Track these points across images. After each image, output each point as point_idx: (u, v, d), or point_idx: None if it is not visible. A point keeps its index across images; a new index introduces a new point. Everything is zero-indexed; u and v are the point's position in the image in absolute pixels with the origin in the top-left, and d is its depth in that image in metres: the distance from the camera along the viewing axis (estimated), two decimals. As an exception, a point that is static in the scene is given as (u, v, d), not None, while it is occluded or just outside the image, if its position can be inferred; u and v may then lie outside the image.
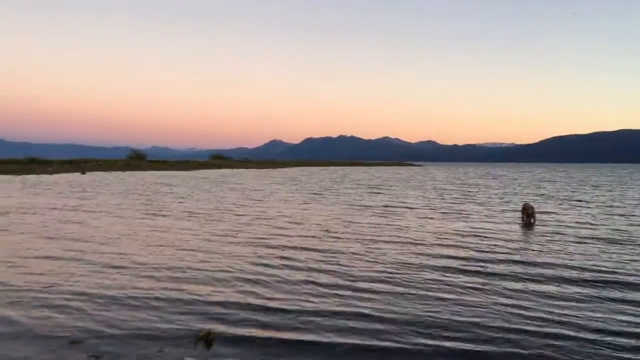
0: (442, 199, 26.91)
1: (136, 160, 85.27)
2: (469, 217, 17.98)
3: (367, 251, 11.29)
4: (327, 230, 14.22)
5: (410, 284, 8.53)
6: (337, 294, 7.80)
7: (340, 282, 8.58)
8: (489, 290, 8.26)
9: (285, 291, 7.98)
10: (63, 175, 50.69)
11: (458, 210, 20.64)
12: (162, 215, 17.73)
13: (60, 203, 21.82)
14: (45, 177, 45.14)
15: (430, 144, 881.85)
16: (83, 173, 54.52)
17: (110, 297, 7.59)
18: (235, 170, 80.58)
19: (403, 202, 24.08)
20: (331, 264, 9.88)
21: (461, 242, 12.66)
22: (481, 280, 8.82)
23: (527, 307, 7.35)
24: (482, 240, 12.98)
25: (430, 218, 17.77)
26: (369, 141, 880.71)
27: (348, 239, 12.97)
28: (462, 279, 8.94)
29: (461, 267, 9.84)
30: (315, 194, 29.88)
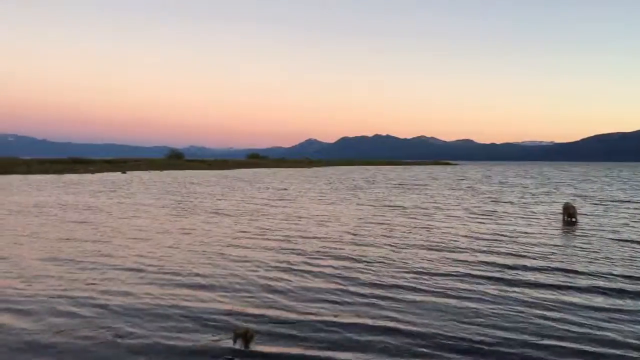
0: (476, 198, 26.52)
1: (174, 159, 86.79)
2: (503, 218, 17.62)
3: (396, 255, 10.97)
4: (355, 234, 13.87)
5: (442, 292, 8.03)
6: (366, 303, 7.47)
7: (367, 290, 8.15)
8: (526, 301, 7.60)
9: (310, 299, 7.70)
10: (104, 174, 52.05)
11: (492, 210, 20.23)
12: (194, 214, 18.21)
13: (100, 202, 22.52)
14: (87, 177, 46.47)
15: (467, 143, 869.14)
16: (123, 172, 55.86)
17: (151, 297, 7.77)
18: (270, 169, 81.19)
19: (435, 202, 23.86)
20: (360, 271, 9.43)
21: (495, 245, 12.16)
22: (517, 290, 8.20)
23: (571, 321, 6.74)
24: (517, 243, 12.45)
25: (462, 219, 17.48)
26: (404, 140, 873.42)
27: (377, 241, 12.72)
28: (496, 287, 8.36)
29: (495, 274, 9.22)
30: (347, 193, 30.01)
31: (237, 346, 5.86)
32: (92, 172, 55.36)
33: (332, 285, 8.49)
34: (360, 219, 17.36)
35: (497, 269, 9.75)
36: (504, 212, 19.79)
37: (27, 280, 8.62)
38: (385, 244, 12.37)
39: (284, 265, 9.99)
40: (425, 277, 9.06)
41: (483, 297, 7.80)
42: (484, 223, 16.42)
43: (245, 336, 5.90)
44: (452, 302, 7.60)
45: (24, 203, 21.70)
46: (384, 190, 32.45)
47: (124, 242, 12.37)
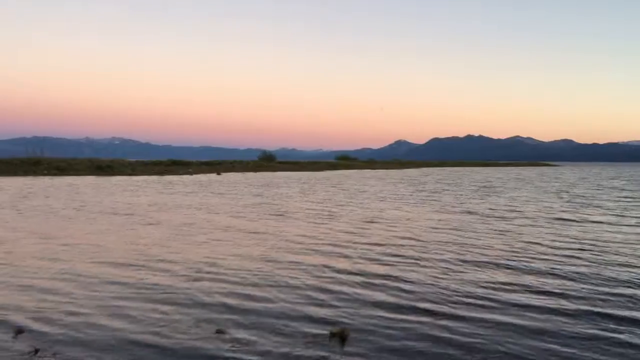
0: (566, 202, 25.20)
1: (266, 161, 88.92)
2: (590, 226, 16.05)
3: (462, 265, 10.23)
4: (424, 241, 13.10)
5: (512, 316, 7.07)
6: (429, 323, 6.81)
7: (427, 306, 7.47)
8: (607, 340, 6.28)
9: (401, 302, 7.91)
10: (201, 175, 54.33)
11: (581, 217, 18.62)
12: (281, 215, 18.77)
13: (197, 202, 23.53)
14: (185, 178, 48.73)
15: (567, 143, 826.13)
16: (218, 174, 58.04)
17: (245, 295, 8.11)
18: (360, 170, 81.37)
19: (514, 207, 22.69)
20: (424, 284, 8.69)
21: (575, 262, 10.63)
22: (603, 326, 6.70)
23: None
24: (603, 259, 10.87)
25: (541, 226, 16.10)
26: (498, 141, 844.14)
27: (442, 249, 11.91)
28: (568, 321, 7.02)
29: (565, 304, 7.59)
30: (429, 194, 29.91)
31: (333, 345, 5.96)
32: (190, 173, 57.95)
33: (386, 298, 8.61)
34: (433, 223, 17.07)
35: (570, 293, 8.19)
36: (593, 219, 18.20)
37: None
38: (453, 251, 11.90)
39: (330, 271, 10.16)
40: (494, 292, 8.24)
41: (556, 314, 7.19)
42: (566, 231, 15.15)
43: (341, 335, 5.95)
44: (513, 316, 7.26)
45: (143, 202, 23.02)
46: (466, 193, 31.78)
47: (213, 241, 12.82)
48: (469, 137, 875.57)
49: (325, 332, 6.31)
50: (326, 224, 16.42)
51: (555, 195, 30.75)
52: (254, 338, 6.19)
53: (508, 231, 14.99)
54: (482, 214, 19.58)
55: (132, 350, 5.83)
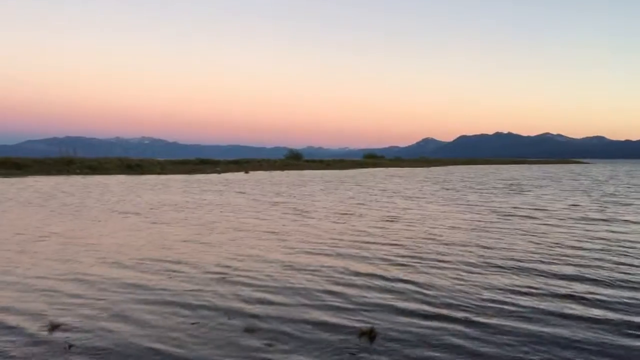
0: (594, 201, 24.79)
1: (293, 159, 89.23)
2: (620, 226, 15.72)
3: (485, 268, 10.01)
4: (446, 242, 12.85)
5: (538, 323, 6.83)
6: (451, 329, 6.64)
7: (446, 311, 7.35)
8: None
9: (435, 302, 8.17)
10: (229, 174, 54.89)
11: (610, 216, 18.27)
12: (303, 214, 19.04)
13: (223, 200, 23.86)
14: (214, 176, 49.30)
15: (598, 140, 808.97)
16: (246, 172, 58.55)
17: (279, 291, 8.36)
18: (387, 169, 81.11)
19: (541, 205, 22.37)
20: (445, 288, 8.53)
21: (605, 264, 10.29)
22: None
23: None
24: (633, 262, 10.53)
25: (568, 226, 15.81)
26: (527, 138, 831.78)
27: (465, 250, 11.70)
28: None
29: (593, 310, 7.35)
30: (453, 193, 29.78)
31: (361, 343, 6.04)
32: (218, 172, 58.59)
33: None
34: (455, 223, 17.07)
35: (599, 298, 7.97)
36: (623, 219, 17.76)
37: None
38: (476, 253, 11.96)
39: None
40: (519, 298, 8.13)
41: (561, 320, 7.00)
42: (595, 231, 14.81)
43: (370, 334, 6.09)
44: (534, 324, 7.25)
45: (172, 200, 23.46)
46: (492, 191, 31.57)
47: (240, 240, 13.05)
48: (498, 135, 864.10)
49: (352, 331, 6.43)
50: (347, 222, 16.52)
51: (584, 193, 30.23)
52: (281, 338, 6.30)
53: (533, 231, 14.75)
54: (507, 213, 19.34)
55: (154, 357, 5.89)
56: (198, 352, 5.87)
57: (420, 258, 10.90)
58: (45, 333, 6.38)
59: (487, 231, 14.83)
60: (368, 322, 6.75)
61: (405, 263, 10.40)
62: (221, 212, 19.21)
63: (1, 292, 8.16)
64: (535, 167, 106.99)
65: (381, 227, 15.45)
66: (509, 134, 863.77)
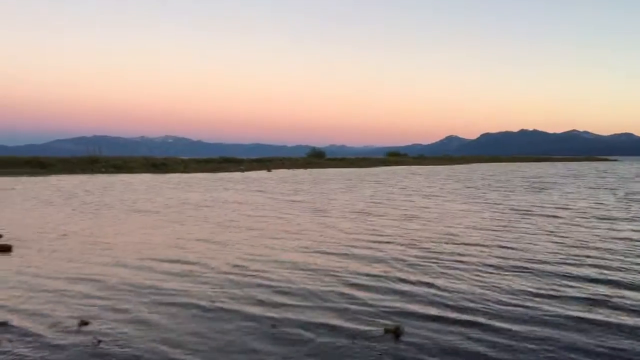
0: (619, 200, 24.25)
1: (316, 158, 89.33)
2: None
3: (503, 269, 9.81)
4: (465, 243, 12.67)
5: (559, 329, 6.62)
6: (469, 334, 6.53)
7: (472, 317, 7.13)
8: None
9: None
10: (252, 172, 55.28)
11: (635, 216, 17.87)
12: (321, 213, 19.17)
13: (245, 199, 24.09)
14: (237, 175, 49.71)
15: (627, 137, 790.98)
16: (269, 171, 58.90)
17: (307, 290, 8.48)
18: (410, 167, 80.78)
19: (563, 204, 21.99)
20: (461, 291, 8.32)
21: (630, 266, 10.04)
22: None
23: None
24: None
25: (590, 226, 15.41)
26: (554, 135, 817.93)
27: (483, 251, 11.57)
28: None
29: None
30: (474, 191, 29.62)
31: (387, 340, 6.15)
32: (242, 170, 59.01)
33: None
34: (474, 222, 17.01)
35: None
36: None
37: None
38: (495, 255, 11.84)
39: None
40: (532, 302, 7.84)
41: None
42: (618, 231, 14.48)
43: (396, 332, 6.15)
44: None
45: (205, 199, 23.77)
46: (514, 189, 31.26)
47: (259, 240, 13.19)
48: (523, 132, 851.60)
49: (377, 328, 6.52)
50: (366, 221, 16.62)
51: (609, 191, 29.68)
52: (307, 334, 6.40)
53: (555, 231, 14.50)
54: (528, 212, 19.12)
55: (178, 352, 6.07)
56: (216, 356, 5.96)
57: (437, 259, 10.83)
58: (75, 329, 6.61)
59: (507, 230, 14.66)
60: (390, 322, 6.71)
61: (421, 264, 10.37)
62: (241, 210, 19.45)
63: (23, 291, 8.39)
64: (560, 164, 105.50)
65: (397, 227, 15.41)
66: (534, 131, 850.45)
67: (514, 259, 10.78)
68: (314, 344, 6.14)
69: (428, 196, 26.38)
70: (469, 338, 6.34)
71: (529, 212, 19.02)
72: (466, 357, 5.84)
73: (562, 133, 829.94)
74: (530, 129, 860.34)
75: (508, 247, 12.09)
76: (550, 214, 18.66)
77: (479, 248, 12.02)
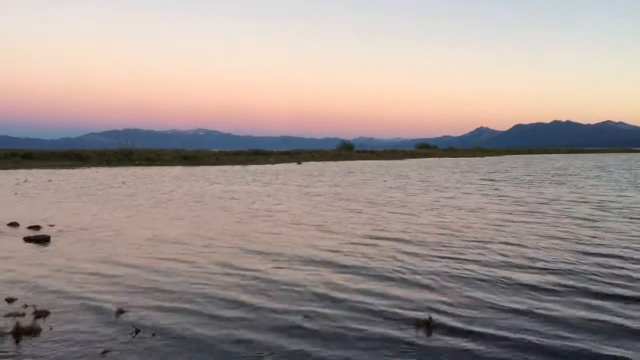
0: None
1: (345, 150, 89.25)
2: None
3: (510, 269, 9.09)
4: (478, 240, 11.83)
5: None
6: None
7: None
8: None
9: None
10: (282, 165, 55.53)
11: None
12: (348, 202, 19.34)
13: (274, 191, 24.35)
14: (268, 167, 50.01)
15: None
16: (299, 163, 59.10)
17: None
18: (439, 159, 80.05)
19: (583, 198, 21.00)
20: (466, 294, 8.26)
21: None
22: None
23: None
24: None
25: (609, 222, 14.36)
26: (587, 126, 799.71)
27: (498, 248, 10.82)
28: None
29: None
30: (494, 183, 29.28)
31: (419, 334, 6.17)
32: (272, 162, 59.38)
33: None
34: (485, 216, 16.80)
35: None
36: None
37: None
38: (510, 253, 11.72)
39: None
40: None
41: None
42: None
43: (427, 325, 6.24)
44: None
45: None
46: (538, 182, 30.22)
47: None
48: (556, 123, 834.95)
49: (410, 321, 6.49)
50: (385, 214, 16.47)
51: (633, 185, 27.98)
52: (338, 330, 6.35)
53: (569, 230, 13.08)
54: (543, 207, 17.95)
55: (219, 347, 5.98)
56: (255, 343, 6.00)
57: (444, 254, 10.32)
58: (113, 317, 6.72)
59: (519, 225, 13.86)
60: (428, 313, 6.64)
61: (435, 260, 9.93)
62: (270, 202, 19.64)
63: (64, 281, 8.54)
64: (593, 156, 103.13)
65: (409, 222, 14.64)
66: (568, 122, 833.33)
67: (522, 257, 10.49)
68: (338, 342, 6.02)
69: (446, 189, 26.15)
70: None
71: (544, 207, 18.71)
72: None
73: (596, 124, 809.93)
74: (564, 119, 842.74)
75: (518, 244, 11.80)
76: (567, 208, 18.12)
77: (494, 246, 11.88)
